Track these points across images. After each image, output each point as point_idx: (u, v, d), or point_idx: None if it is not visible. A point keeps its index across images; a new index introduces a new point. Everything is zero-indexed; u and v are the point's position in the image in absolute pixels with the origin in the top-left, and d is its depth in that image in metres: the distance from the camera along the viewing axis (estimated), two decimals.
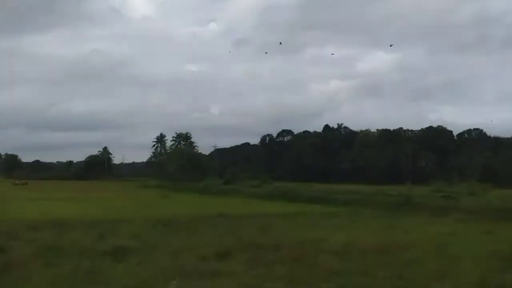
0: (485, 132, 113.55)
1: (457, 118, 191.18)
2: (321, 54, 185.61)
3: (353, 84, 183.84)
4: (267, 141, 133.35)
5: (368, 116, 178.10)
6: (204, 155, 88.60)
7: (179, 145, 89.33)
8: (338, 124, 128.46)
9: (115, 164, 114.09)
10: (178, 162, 74.02)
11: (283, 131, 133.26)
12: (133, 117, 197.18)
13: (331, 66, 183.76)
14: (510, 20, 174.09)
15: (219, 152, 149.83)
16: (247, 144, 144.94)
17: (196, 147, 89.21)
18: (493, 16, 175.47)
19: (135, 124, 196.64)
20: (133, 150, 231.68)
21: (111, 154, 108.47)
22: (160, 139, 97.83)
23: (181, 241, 13.75)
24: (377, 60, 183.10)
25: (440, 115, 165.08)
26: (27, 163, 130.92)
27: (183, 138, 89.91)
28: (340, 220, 24.11)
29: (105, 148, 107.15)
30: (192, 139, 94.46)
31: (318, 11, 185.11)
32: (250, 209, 27.72)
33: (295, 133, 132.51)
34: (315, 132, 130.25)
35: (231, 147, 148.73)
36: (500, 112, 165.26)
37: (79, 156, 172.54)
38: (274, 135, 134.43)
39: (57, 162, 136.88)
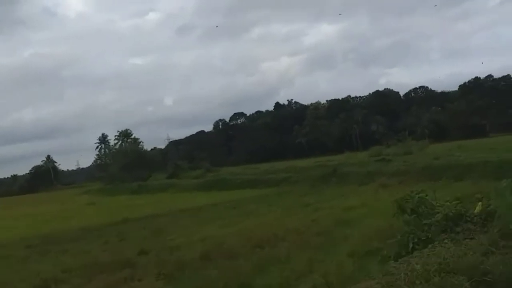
0: (431, 89, 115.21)
1: (406, 79, 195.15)
2: (268, 32, 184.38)
3: (303, 59, 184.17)
4: (220, 126, 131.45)
5: (320, 88, 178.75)
6: (150, 150, 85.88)
7: (123, 144, 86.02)
8: (288, 100, 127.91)
9: (64, 171, 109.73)
10: (121, 161, 71.24)
11: (235, 114, 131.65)
12: (83, 120, 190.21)
13: (279, 43, 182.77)
14: None
15: (175, 144, 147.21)
16: (202, 132, 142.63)
17: (141, 143, 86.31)
18: None
19: (85, 127, 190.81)
20: (87, 154, 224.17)
21: (56, 162, 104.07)
22: (103, 139, 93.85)
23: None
24: (323, 33, 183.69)
25: (390, 78, 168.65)
26: None
27: (125, 136, 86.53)
28: (255, 206, 22.83)
29: (48, 157, 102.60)
30: (136, 135, 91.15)
31: None
32: (169, 206, 26.11)
33: (248, 114, 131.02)
34: (267, 111, 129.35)
35: (186, 137, 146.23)
36: (446, 68, 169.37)
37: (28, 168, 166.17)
38: (228, 119, 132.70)
39: (4, 177, 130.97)
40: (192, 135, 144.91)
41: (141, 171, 68.42)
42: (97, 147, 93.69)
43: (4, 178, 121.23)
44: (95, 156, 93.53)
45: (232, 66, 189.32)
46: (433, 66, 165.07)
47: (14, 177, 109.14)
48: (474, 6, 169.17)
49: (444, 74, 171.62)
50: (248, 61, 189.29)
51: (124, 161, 70.47)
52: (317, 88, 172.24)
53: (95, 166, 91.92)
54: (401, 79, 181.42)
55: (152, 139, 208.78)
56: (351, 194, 23.96)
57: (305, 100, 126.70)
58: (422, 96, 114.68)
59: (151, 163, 76.48)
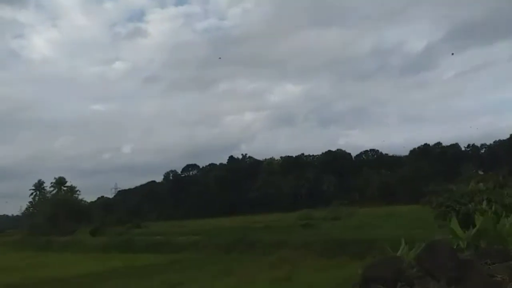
0: (381, 152, 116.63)
1: (363, 141, 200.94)
2: (233, 87, 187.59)
3: (266, 115, 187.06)
4: (171, 177, 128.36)
5: (281, 145, 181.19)
6: (83, 201, 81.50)
7: (58, 192, 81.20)
8: (242, 154, 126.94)
9: (2, 216, 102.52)
10: (48, 211, 66.78)
11: (188, 165, 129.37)
12: (35, 164, 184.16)
13: (244, 99, 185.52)
14: (405, 49, 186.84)
15: (123, 194, 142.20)
16: (153, 182, 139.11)
17: (77, 192, 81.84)
18: (390, 46, 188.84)
19: (36, 171, 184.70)
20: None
21: None
22: (39, 186, 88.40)
23: None
24: (287, 92, 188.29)
25: (348, 139, 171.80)
26: None
27: (59, 183, 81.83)
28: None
29: None
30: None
31: (227, 47, 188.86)
32: (38, 273, 23.16)
33: (201, 167, 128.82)
34: (221, 164, 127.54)
35: (136, 187, 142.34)
36: (401, 133, 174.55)
37: None
38: (180, 170, 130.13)
39: None
40: (142, 185, 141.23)
41: (69, 223, 64.38)
42: (32, 193, 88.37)
43: None
44: (27, 204, 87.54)
45: (195, 118, 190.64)
46: (389, 130, 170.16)
47: None
48: (430, 77, 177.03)
49: (400, 139, 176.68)
50: (212, 114, 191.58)
51: (50, 212, 66.08)
52: (278, 144, 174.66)
53: (26, 215, 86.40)
54: (359, 141, 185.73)
55: (106, 188, 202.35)
56: (237, 271, 21.73)
57: (265, 155, 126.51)
58: (373, 159, 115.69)
59: (85, 215, 72.25)
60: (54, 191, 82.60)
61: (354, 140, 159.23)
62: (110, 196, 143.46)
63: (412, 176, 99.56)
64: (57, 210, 65.96)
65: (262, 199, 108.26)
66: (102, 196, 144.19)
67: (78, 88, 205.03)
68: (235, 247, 29.67)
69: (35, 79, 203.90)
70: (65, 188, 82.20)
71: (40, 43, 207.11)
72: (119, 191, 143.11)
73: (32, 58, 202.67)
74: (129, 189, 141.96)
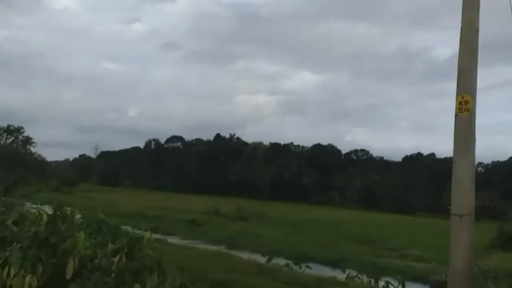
0: (371, 154, 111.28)
1: (370, 141, 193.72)
2: (250, 67, 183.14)
3: (277, 100, 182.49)
4: (152, 145, 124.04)
5: (286, 132, 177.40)
6: (38, 156, 76.64)
7: (5, 141, 75.53)
8: (230, 134, 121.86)
9: None
10: None
11: (173, 137, 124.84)
12: (37, 112, 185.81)
13: (259, 81, 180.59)
14: (430, 55, 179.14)
15: (107, 155, 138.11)
16: (137, 148, 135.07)
17: (33, 145, 76.62)
18: (415, 50, 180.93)
19: (41, 119, 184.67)
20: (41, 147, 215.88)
21: None
22: (1, 131, 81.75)
23: None
24: (303, 80, 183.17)
25: (356, 137, 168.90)
26: None
27: (10, 132, 76.18)
28: None
29: None
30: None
31: (252, 26, 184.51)
32: None
33: (186, 140, 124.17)
34: (208, 140, 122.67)
35: (120, 151, 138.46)
36: (408, 139, 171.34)
37: None
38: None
39: None
40: (126, 149, 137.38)
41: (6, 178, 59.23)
42: None
43: None
44: None
45: (206, 91, 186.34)
46: (397, 134, 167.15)
47: None
48: (450, 88, 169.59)
49: (406, 144, 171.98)
50: (224, 90, 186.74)
51: None
52: (284, 131, 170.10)
53: None
54: (366, 140, 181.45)
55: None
56: None
57: (270, 139, 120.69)
58: (362, 159, 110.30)
59: (28, 170, 66.96)
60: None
61: (362, 138, 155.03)
62: (94, 156, 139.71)
63: (397, 183, 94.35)
64: None
65: (241, 183, 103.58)
66: (84, 155, 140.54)
67: (94, 44, 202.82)
68: None
69: (53, 28, 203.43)
70: (21, 138, 77.36)
71: None
72: (102, 152, 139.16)
73: (53, 7, 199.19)
74: (113, 152, 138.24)
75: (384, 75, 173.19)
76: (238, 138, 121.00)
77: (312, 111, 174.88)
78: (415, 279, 19.80)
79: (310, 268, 18.87)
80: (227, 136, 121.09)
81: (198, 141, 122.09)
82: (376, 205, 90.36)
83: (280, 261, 26.44)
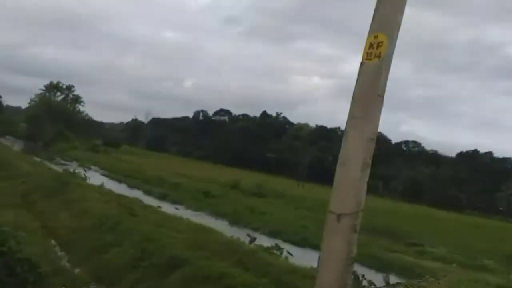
0: (423, 146, 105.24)
1: (428, 133, 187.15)
2: (308, 48, 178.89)
3: (332, 84, 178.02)
4: (200, 116, 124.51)
5: (335, 116, 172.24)
6: (85, 115, 77.51)
7: (51, 97, 75.85)
8: (277, 112, 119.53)
9: (12, 107, 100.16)
10: (33, 115, 62.72)
11: (221, 109, 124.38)
12: (100, 74, 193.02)
13: (316, 62, 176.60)
14: (503, 51, 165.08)
15: (157, 122, 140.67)
16: (186, 118, 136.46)
17: (82, 104, 77.42)
18: (488, 45, 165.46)
19: (100, 81, 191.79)
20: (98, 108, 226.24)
21: (0, 96, 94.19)
22: (51, 87, 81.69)
23: None
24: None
25: (412, 128, 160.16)
26: None
27: (56, 88, 76.36)
28: None
29: None
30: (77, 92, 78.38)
31: (315, 5, 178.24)
32: None
33: (233, 114, 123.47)
34: (254, 117, 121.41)
35: (171, 118, 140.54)
36: (470, 135, 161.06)
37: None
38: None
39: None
40: (176, 118, 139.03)
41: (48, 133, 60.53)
42: (42, 93, 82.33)
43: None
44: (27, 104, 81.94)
45: (261, 68, 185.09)
46: (458, 130, 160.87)
47: None
48: None
49: (464, 140, 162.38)
50: (279, 69, 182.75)
51: (33, 116, 62.12)
52: (333, 115, 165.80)
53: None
54: (421, 132, 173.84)
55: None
56: None
57: (317, 122, 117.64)
58: (412, 151, 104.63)
59: (75, 127, 68.30)
60: (45, 95, 77.03)
61: (419, 130, 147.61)
62: (145, 121, 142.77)
63: (448, 179, 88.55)
64: (39, 113, 62.16)
65: (280, 162, 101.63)
66: (136, 119, 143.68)
67: (156, 12, 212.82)
68: None
69: None
70: (71, 96, 78.45)
71: None
72: (153, 118, 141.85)
73: None
74: (164, 119, 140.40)
75: (450, 68, 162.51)
76: (284, 117, 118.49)
77: None
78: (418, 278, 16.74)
79: (291, 255, 16.35)
80: (274, 114, 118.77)
81: (245, 116, 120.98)
82: (422, 198, 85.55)
83: (280, 244, 24.14)
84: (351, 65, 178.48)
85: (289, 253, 16.93)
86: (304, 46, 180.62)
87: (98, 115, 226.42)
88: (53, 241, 14.36)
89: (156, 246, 14.26)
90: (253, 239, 18.89)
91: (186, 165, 68.45)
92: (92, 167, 45.81)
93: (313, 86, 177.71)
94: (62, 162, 46.83)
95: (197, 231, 17.63)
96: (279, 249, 17.49)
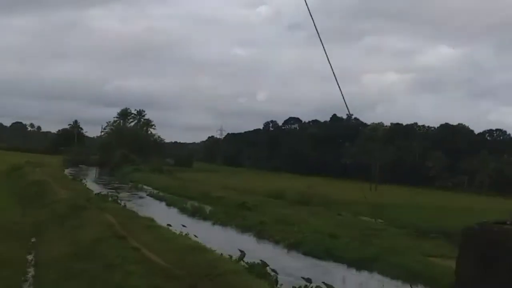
0: (509, 134, 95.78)
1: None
2: (379, 44, 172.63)
3: (410, 78, 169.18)
4: (271, 127, 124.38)
5: (410, 113, 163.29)
6: (157, 137, 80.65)
7: (126, 123, 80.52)
8: (347, 114, 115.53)
9: (89, 137, 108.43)
10: (105, 141, 66.74)
11: (290, 118, 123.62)
12: (181, 98, 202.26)
13: (388, 58, 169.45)
14: None
15: (233, 137, 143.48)
16: (258, 130, 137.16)
17: (153, 127, 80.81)
18: None
19: (177, 106, 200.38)
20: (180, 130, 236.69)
21: (81, 128, 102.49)
22: (122, 114, 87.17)
23: None
24: (439, 54, 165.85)
25: (500, 117, 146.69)
26: None
27: (123, 115, 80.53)
28: None
29: (75, 122, 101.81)
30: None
31: None
32: None
33: (303, 121, 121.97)
34: (325, 121, 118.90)
35: (245, 132, 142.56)
36: None
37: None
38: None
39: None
40: (249, 131, 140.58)
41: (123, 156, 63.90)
42: (115, 121, 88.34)
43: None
44: (101, 131, 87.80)
45: (330, 71, 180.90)
46: None
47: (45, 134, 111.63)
48: None
49: None
50: (351, 70, 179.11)
51: (106, 142, 66.08)
52: (408, 112, 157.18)
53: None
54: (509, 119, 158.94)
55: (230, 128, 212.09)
56: None
57: (391, 121, 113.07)
58: (498, 141, 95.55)
59: (147, 150, 71.47)
60: (116, 123, 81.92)
61: (501, 118, 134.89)
62: (220, 137, 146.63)
63: None
64: (111, 140, 65.85)
65: (356, 166, 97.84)
66: (212, 136, 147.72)
67: (222, 30, 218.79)
68: None
69: (185, 16, 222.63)
70: (143, 120, 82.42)
71: None
72: (228, 134, 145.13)
73: None
74: (238, 134, 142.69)
75: None
76: (356, 119, 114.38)
77: (450, 88, 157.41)
78: None
79: (276, 273, 15.15)
80: (344, 117, 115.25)
81: (315, 122, 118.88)
82: (507, 190, 77.55)
83: (297, 257, 22.69)
84: (427, 56, 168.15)
85: (274, 271, 15.58)
86: (374, 43, 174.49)
87: (182, 137, 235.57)
88: (29, 275, 14.36)
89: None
90: (242, 256, 17.77)
91: (255, 178, 68.30)
92: (145, 187, 47.53)
93: (388, 83, 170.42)
94: (116, 185, 49.04)
95: (183, 252, 16.93)
96: (266, 266, 16.20)
